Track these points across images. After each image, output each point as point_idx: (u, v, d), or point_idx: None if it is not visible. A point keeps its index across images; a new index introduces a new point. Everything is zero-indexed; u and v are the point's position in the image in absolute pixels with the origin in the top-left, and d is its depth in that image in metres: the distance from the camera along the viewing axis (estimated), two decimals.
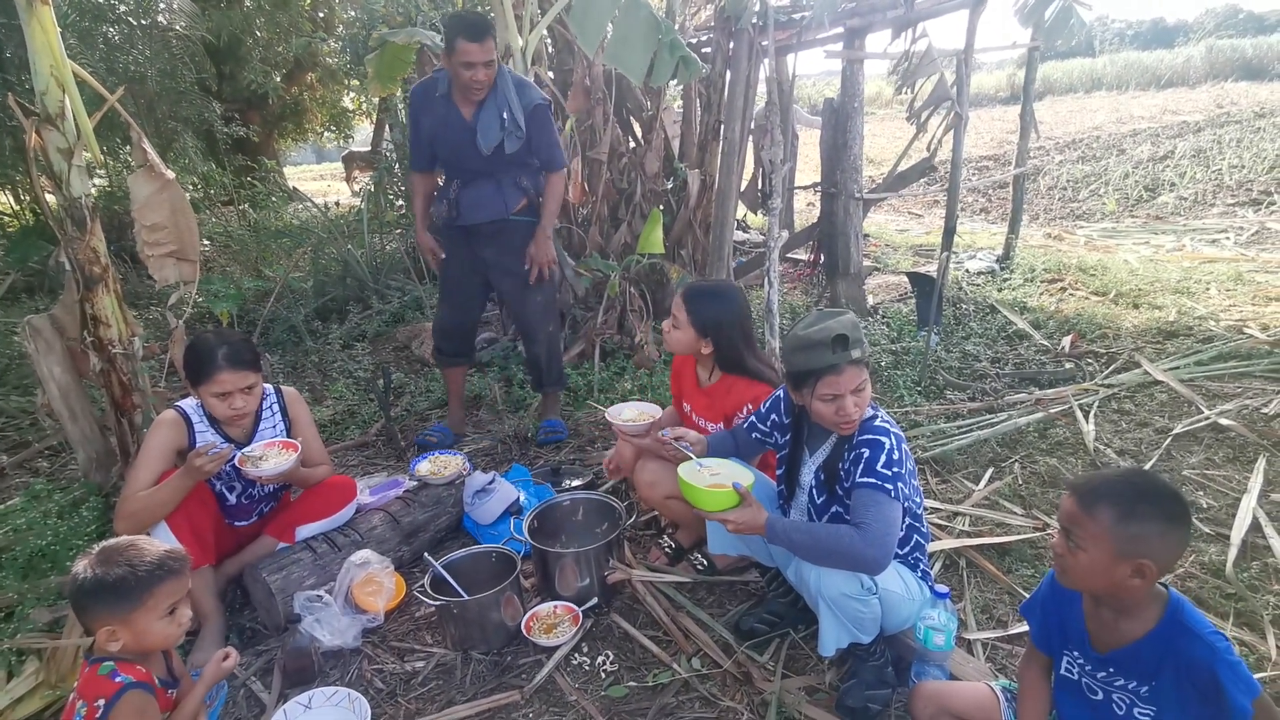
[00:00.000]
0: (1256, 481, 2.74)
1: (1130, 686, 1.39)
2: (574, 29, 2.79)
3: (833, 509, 1.90)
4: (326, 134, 16.21)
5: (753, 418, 2.16)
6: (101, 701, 1.46)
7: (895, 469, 1.74)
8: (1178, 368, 3.81)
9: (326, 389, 4.25)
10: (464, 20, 2.88)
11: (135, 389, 2.86)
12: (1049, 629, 1.54)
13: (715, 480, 1.91)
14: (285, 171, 14.88)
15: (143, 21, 8.33)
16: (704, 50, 4.94)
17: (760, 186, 5.00)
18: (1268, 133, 12.46)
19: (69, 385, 2.91)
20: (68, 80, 2.43)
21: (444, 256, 3.32)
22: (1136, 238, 7.20)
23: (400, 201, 7.64)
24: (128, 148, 7.29)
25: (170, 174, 2.87)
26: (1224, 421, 3.21)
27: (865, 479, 1.74)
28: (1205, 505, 2.67)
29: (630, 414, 2.42)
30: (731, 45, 4.30)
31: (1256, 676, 1.87)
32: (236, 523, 2.51)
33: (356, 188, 14.79)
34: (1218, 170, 9.82)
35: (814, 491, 1.95)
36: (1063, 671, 1.51)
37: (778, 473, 2.11)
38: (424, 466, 2.90)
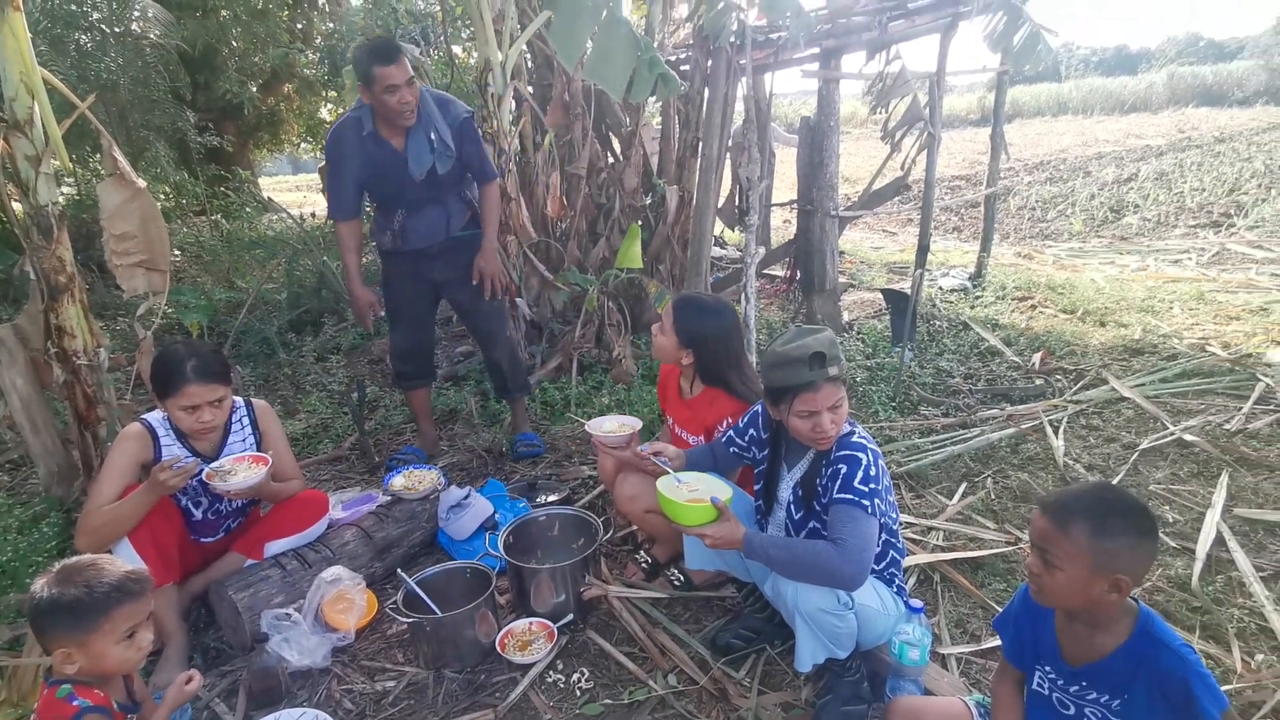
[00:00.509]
0: (1220, 496, 2.80)
1: (1103, 700, 1.41)
2: (554, 44, 2.81)
3: (810, 524, 1.91)
4: (303, 145, 16.09)
5: (731, 432, 2.16)
6: None
7: (872, 485, 1.75)
8: (1143, 384, 3.90)
9: (299, 402, 4.19)
10: (372, 48, 2.79)
11: (100, 401, 2.80)
12: (1022, 643, 1.56)
13: (693, 495, 1.92)
14: (260, 182, 14.74)
15: (115, 29, 8.21)
16: (683, 68, 4.99)
17: (738, 203, 5.04)
18: (1227, 157, 12.89)
19: (31, 397, 2.84)
20: (37, 87, 2.39)
21: (385, 292, 3.27)
22: (1103, 257, 7.37)
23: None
24: (97, 155, 7.17)
25: (141, 183, 2.83)
26: (1188, 437, 3.28)
27: (842, 495, 1.74)
28: (1171, 520, 2.73)
29: (610, 426, 2.40)
30: (710, 63, 4.36)
31: (1223, 688, 1.91)
32: (203, 539, 2.45)
33: None
34: (1179, 193, 10.11)
35: (792, 507, 1.96)
36: (1035, 686, 1.53)
37: (755, 488, 2.12)
38: (398, 481, 2.86)
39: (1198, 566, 2.42)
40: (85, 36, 8.03)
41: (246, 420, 2.46)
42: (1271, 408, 3.53)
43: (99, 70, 7.61)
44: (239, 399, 2.44)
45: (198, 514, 2.40)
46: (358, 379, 3.71)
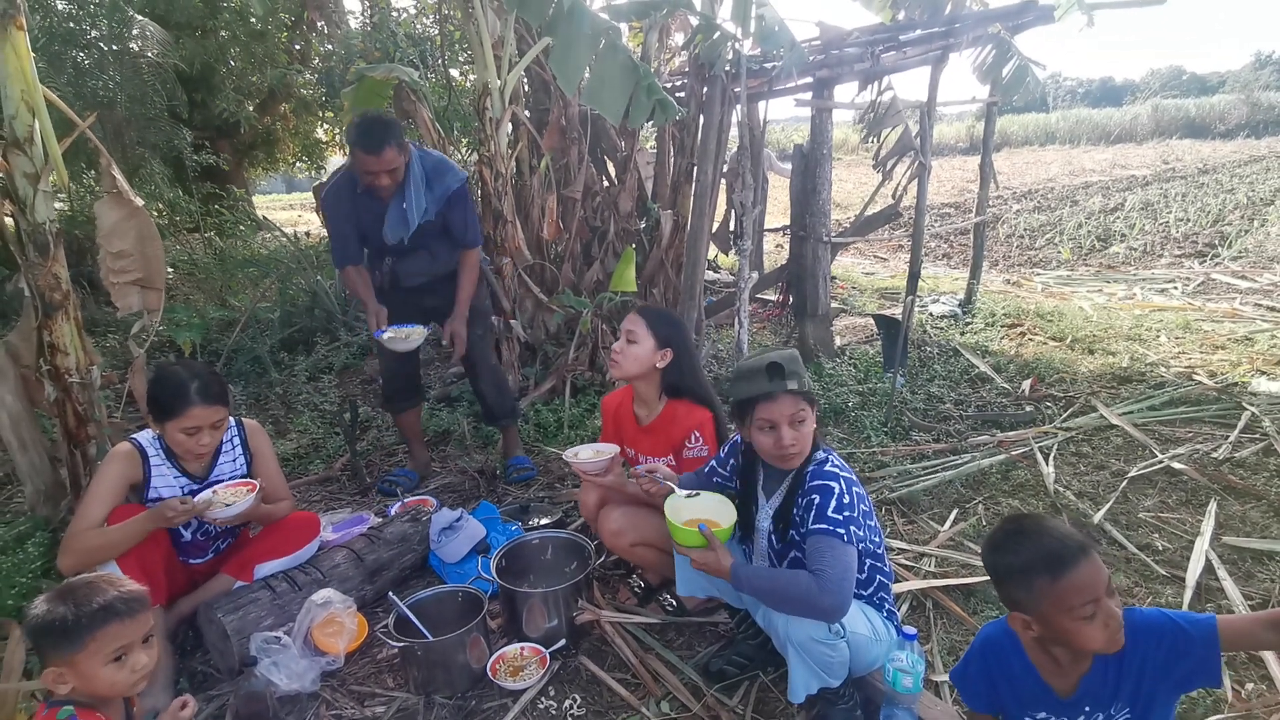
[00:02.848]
0: (1208, 525, 2.82)
1: (1110, 710, 1.40)
2: (554, 70, 2.85)
3: (791, 554, 1.91)
4: (298, 164, 16.16)
5: (713, 462, 2.18)
6: None
7: (847, 513, 1.75)
8: (1132, 412, 3.93)
9: (291, 422, 4.17)
10: (362, 129, 2.80)
11: (91, 419, 2.78)
12: (998, 693, 1.51)
13: (689, 516, 1.94)
14: (255, 200, 14.74)
15: (114, 47, 8.26)
16: (678, 95, 5.06)
17: (731, 228, 5.10)
18: (1210, 188, 13.13)
19: (20, 414, 2.82)
20: (38, 105, 2.40)
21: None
22: (1090, 286, 7.46)
23: None
24: (92, 172, 7.17)
25: (139, 201, 2.84)
26: (1176, 465, 3.31)
27: (818, 525, 1.75)
28: (1161, 548, 2.74)
29: (587, 455, 2.38)
30: (705, 91, 4.43)
31: (1214, 718, 1.92)
32: (191, 560, 2.43)
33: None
34: (1165, 223, 10.28)
35: (773, 538, 1.96)
36: None
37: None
38: (388, 333, 2.95)
39: (1188, 595, 2.43)
40: (83, 54, 8.07)
41: (237, 440, 2.45)
42: (1257, 436, 3.57)
43: (96, 88, 7.65)
44: (230, 419, 2.43)
45: (186, 535, 2.38)
46: (350, 399, 3.70)
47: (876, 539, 1.90)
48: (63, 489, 2.91)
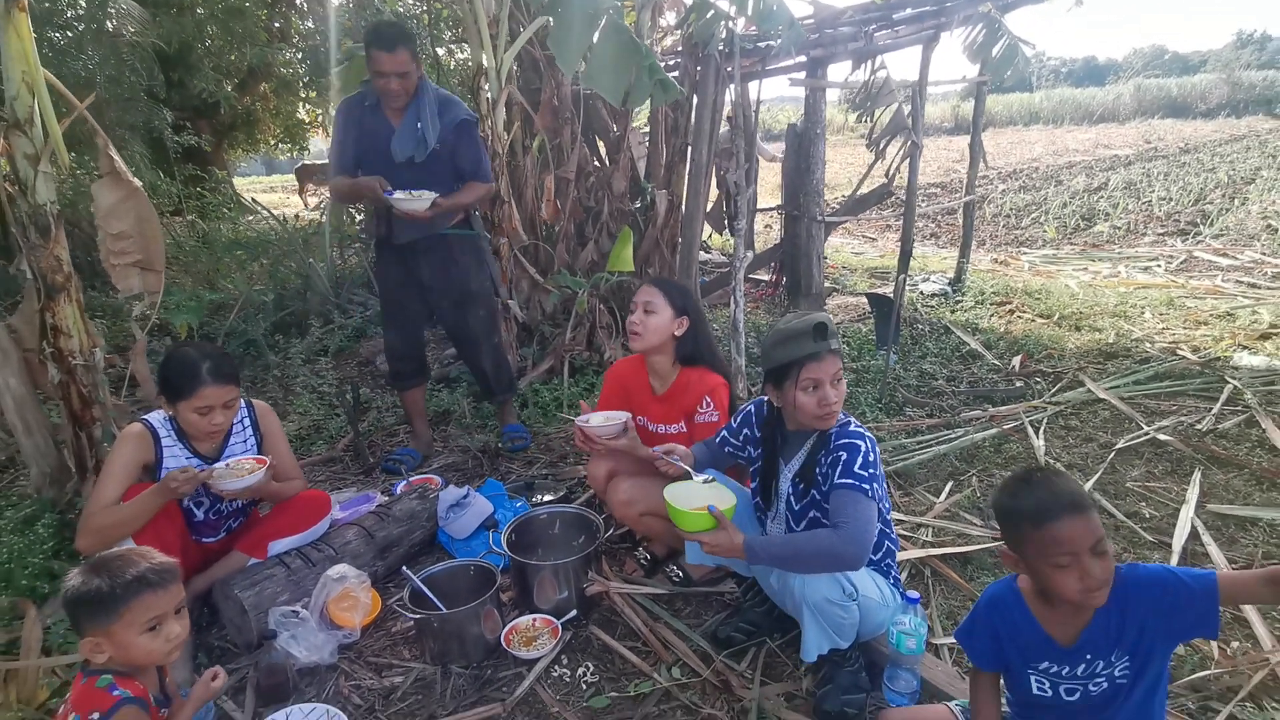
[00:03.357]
0: (1193, 493, 2.92)
1: (1115, 662, 1.45)
2: (553, 50, 2.85)
3: (810, 514, 1.97)
4: (280, 145, 15.93)
5: (724, 432, 2.23)
6: (96, 715, 1.43)
7: (871, 470, 1.83)
8: (1118, 386, 4.04)
9: (290, 404, 4.17)
10: (377, 30, 2.92)
11: (95, 402, 2.79)
12: (1002, 648, 1.57)
13: (695, 503, 1.96)
14: (235, 183, 14.53)
15: (91, 26, 8.09)
16: (671, 75, 5.05)
17: (725, 208, 5.13)
18: (1192, 167, 13.29)
19: (24, 398, 2.81)
20: (39, 86, 2.38)
21: (380, 292, 3.29)
22: (1076, 264, 7.58)
23: (361, 216, 7.57)
24: (86, 157, 7.04)
25: (137, 182, 2.82)
26: (1162, 437, 3.41)
27: (843, 480, 1.82)
28: (1148, 515, 2.84)
29: (598, 420, 2.43)
30: (699, 70, 4.43)
31: (1200, 675, 2.02)
32: (204, 539, 2.45)
33: (311, 200, 14.56)
34: (1148, 202, 10.41)
35: (791, 499, 2.02)
36: (1035, 691, 1.53)
37: (752, 485, 2.18)
38: (398, 194, 2.86)
39: (1174, 559, 2.53)
40: (58, 34, 7.90)
41: (247, 421, 2.47)
42: (1239, 409, 3.68)
43: (75, 68, 7.50)
44: (241, 400, 2.45)
45: (199, 514, 2.40)
46: (352, 381, 3.71)
47: (886, 506, 1.96)
48: (67, 471, 2.92)
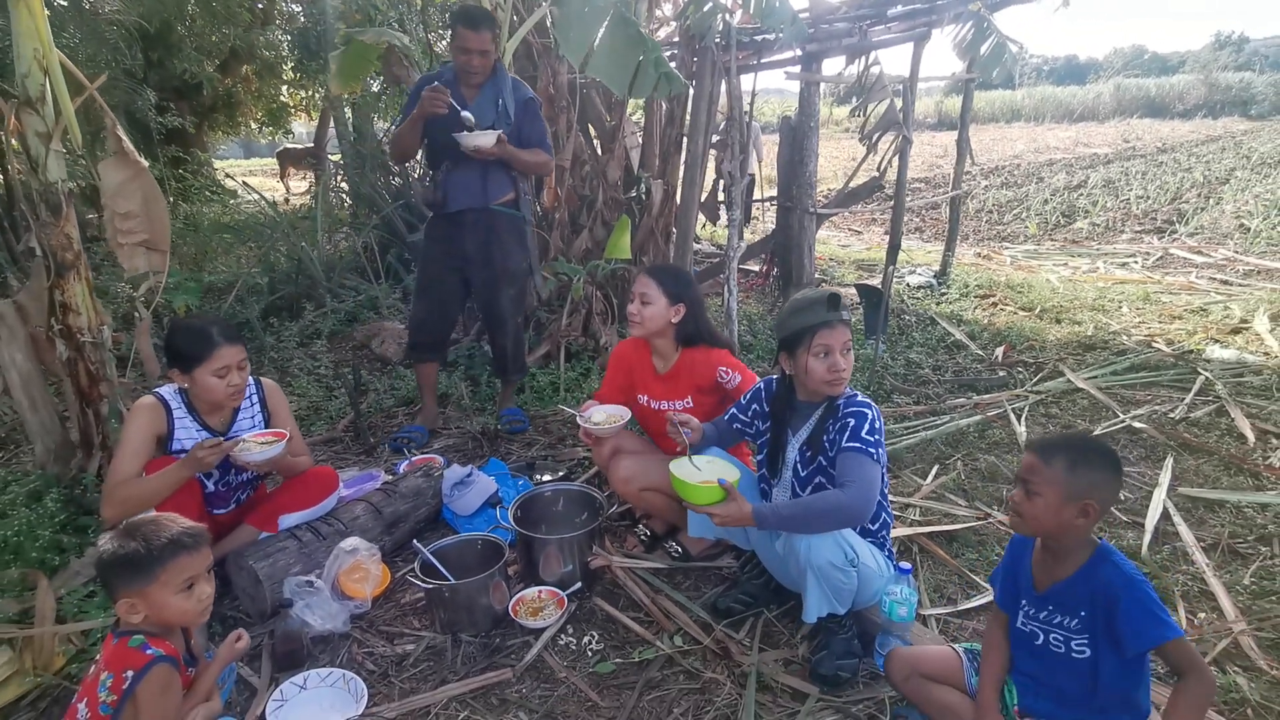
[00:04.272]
0: (1165, 477, 3.06)
1: (1066, 623, 1.58)
2: (559, 39, 2.91)
3: (816, 480, 2.08)
4: (263, 129, 15.73)
5: (734, 409, 2.32)
6: (130, 673, 1.49)
7: (876, 436, 1.95)
8: (1096, 376, 4.19)
9: (287, 386, 4.20)
10: (466, 10, 3.10)
11: (103, 378, 2.82)
12: (1007, 586, 1.74)
13: (703, 477, 2.06)
14: (214, 165, 14.34)
15: (65, 2, 7.95)
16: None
17: (720, 198, 5.21)
18: (1169, 167, 13.58)
19: (30, 374, 2.83)
20: (52, 64, 2.40)
21: (420, 264, 3.39)
22: (1056, 259, 7.76)
23: (350, 201, 7.56)
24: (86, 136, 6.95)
25: (144, 161, 2.85)
26: (1137, 425, 3.56)
27: (851, 444, 1.94)
28: (1123, 498, 2.97)
29: (599, 417, 2.53)
30: (695, 61, 4.49)
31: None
32: (214, 510, 2.50)
33: (291, 184, 14.42)
34: (1126, 200, 10.65)
35: (798, 467, 2.12)
36: (1018, 624, 1.70)
37: (758, 459, 2.28)
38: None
39: (1146, 538, 2.66)
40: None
41: (256, 398, 2.52)
42: (1210, 399, 3.84)
43: (58, 46, 7.39)
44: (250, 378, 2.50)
45: (210, 485, 2.45)
46: (353, 363, 3.76)
47: (884, 479, 2.07)
48: (71, 447, 2.95)
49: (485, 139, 3.03)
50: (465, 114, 3.05)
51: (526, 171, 3.33)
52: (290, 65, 12.15)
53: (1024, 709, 1.70)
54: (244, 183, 8.00)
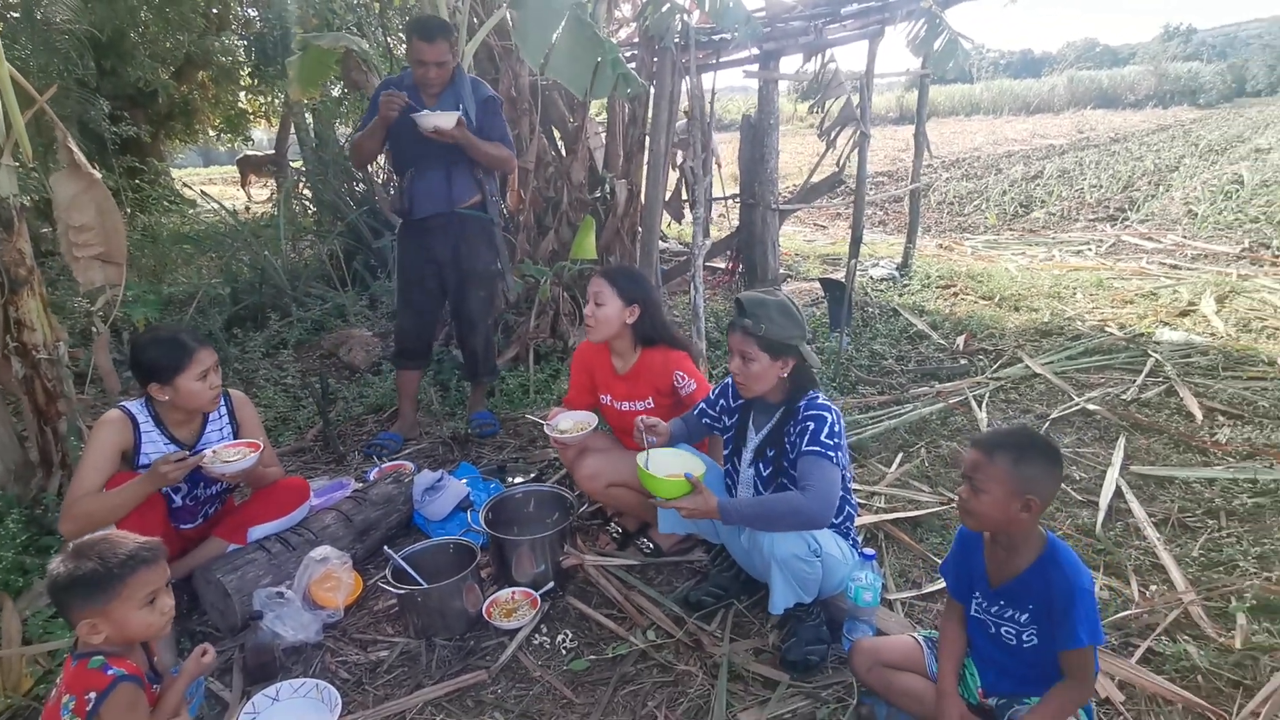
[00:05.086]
0: (1118, 456, 3.17)
1: (1017, 617, 1.66)
2: (518, 41, 2.93)
3: (778, 480, 2.12)
4: (221, 136, 15.45)
5: (703, 404, 2.36)
6: (93, 695, 1.47)
7: (836, 440, 1.99)
8: (1053, 362, 4.31)
9: (253, 396, 4.14)
10: (420, 21, 3.09)
11: (61, 395, 2.77)
12: (960, 578, 1.81)
13: (669, 471, 2.10)
14: (171, 175, 14.04)
15: (16, 14, 7.75)
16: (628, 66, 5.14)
17: (683, 197, 5.25)
18: (1121, 156, 13.96)
19: None
20: (2, 78, 2.36)
21: (398, 272, 3.40)
22: (1014, 249, 7.95)
23: (314, 208, 7.47)
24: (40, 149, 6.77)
25: (96, 173, 2.81)
26: (1091, 407, 3.68)
27: (810, 448, 1.97)
28: (1078, 478, 3.08)
29: (566, 425, 2.56)
30: (655, 62, 4.53)
31: (1122, 615, 2.24)
32: (181, 525, 2.47)
33: (253, 192, 14.19)
34: (1080, 189, 10.93)
35: (760, 465, 2.17)
36: (972, 612, 1.78)
37: (725, 452, 2.32)
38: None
39: (1100, 515, 2.76)
40: None
41: (224, 409, 2.50)
42: (1160, 379, 3.98)
43: (9, 58, 7.19)
44: None
45: (177, 500, 2.42)
46: (321, 372, 3.74)
47: (848, 475, 2.13)
48: (31, 467, 2.89)
49: (445, 119, 3.01)
50: (425, 112, 3.04)
51: (489, 165, 3.30)
52: (247, 71, 11.97)
53: (987, 688, 1.77)
54: (203, 191, 7.86)
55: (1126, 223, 8.89)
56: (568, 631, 2.29)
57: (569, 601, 2.43)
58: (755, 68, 4.86)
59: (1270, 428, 3.36)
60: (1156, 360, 4.19)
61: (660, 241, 7.85)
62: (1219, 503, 2.82)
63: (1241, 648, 2.08)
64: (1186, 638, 2.14)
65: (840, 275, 5.20)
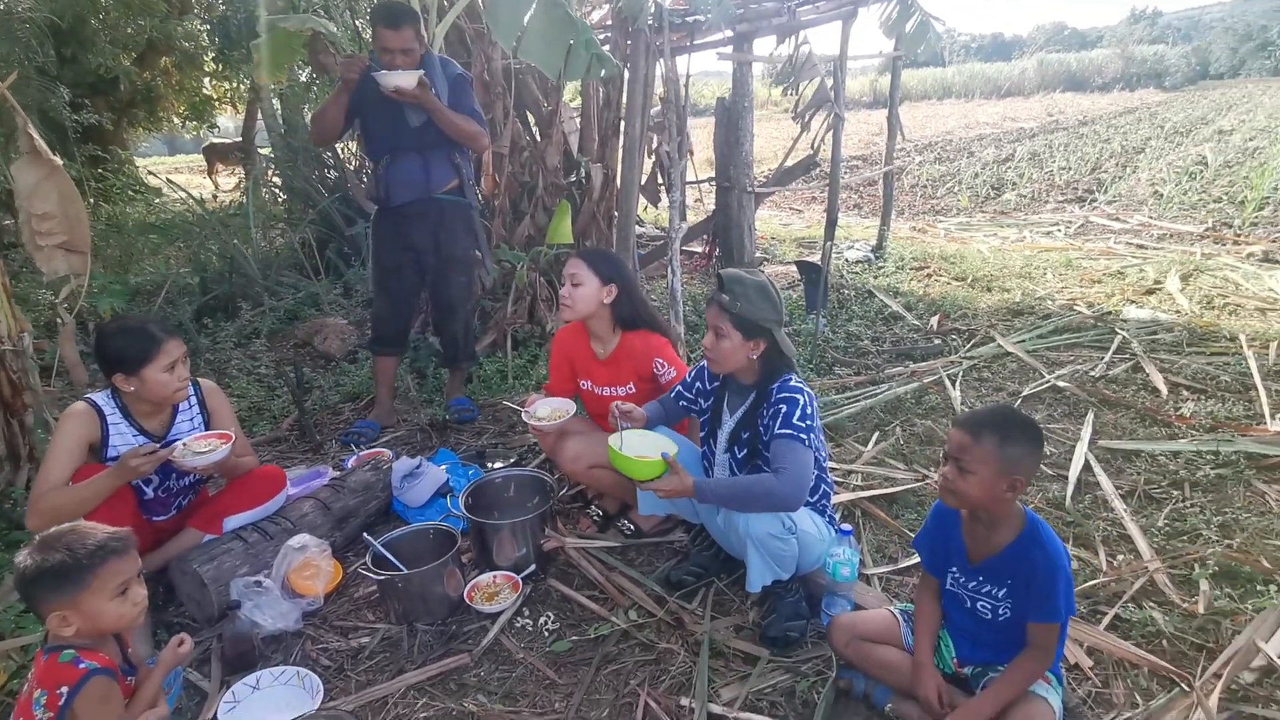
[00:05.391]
0: (1086, 432, 3.24)
1: (994, 592, 1.70)
2: (489, 23, 2.89)
3: (753, 462, 2.14)
4: (187, 124, 15.07)
5: (679, 387, 2.37)
6: (64, 689, 1.45)
7: (808, 422, 2.00)
8: (1024, 340, 4.39)
9: (226, 387, 4.09)
10: (385, 7, 3.02)
11: (27, 388, 2.71)
12: (935, 553, 1.84)
13: (642, 452, 2.11)
14: (135, 163, 13.70)
15: None
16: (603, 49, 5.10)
17: (659, 180, 5.24)
18: (1089, 138, 14.17)
19: None
20: None
21: (374, 259, 3.35)
22: (986, 230, 8.05)
23: (284, 196, 7.33)
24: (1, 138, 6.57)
25: (58, 160, 2.74)
26: (1061, 384, 3.75)
27: (783, 431, 1.99)
28: (1049, 453, 3.14)
29: (544, 412, 2.56)
30: (629, 45, 4.50)
31: (1092, 583, 2.30)
32: (154, 517, 2.44)
33: (220, 180, 13.89)
34: (1050, 171, 11.09)
35: (735, 448, 2.19)
36: (947, 586, 1.82)
37: (701, 434, 2.34)
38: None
39: (1070, 488, 2.83)
40: None
41: (194, 399, 2.46)
42: (1127, 356, 4.07)
43: None
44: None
45: (148, 492, 2.38)
46: (295, 361, 3.69)
47: (823, 454, 2.15)
48: None
49: (406, 78, 2.93)
50: (385, 72, 2.94)
51: (460, 139, 3.21)
52: (211, 56, 11.67)
53: (961, 659, 1.81)
54: (168, 180, 7.68)
55: (1094, 204, 9.04)
56: (550, 613, 2.30)
57: (551, 584, 2.44)
58: (729, 50, 4.84)
59: (1232, 401, 3.46)
60: (1123, 338, 4.28)
61: (636, 226, 7.86)
62: (1183, 474, 2.90)
63: (1204, 613, 2.15)
64: (1152, 604, 2.21)
65: (816, 258, 5.23)
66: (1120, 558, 2.44)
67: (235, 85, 12.50)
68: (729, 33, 4.82)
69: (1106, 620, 2.15)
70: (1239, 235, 6.89)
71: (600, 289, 2.54)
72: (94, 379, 3.37)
